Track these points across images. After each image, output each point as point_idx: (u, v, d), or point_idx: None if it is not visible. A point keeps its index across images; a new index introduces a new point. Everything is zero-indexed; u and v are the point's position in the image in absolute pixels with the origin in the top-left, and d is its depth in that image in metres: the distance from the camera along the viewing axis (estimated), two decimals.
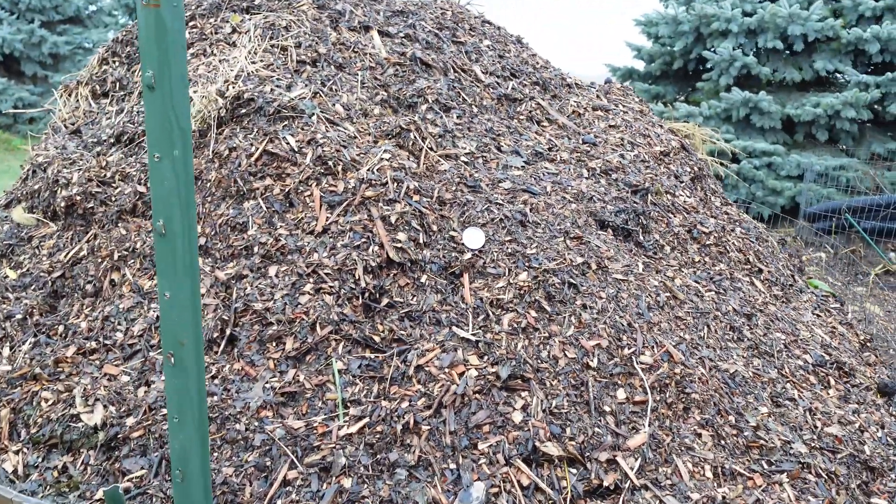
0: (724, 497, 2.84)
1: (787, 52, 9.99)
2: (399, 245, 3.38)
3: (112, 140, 4.21)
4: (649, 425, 3.00)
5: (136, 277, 3.54)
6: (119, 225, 3.76)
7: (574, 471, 2.82)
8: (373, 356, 3.13)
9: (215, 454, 2.81)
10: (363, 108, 4.07)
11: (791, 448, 3.16)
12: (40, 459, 2.92)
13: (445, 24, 5.04)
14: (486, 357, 3.09)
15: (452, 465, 2.79)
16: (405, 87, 4.30)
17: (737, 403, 3.31)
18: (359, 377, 3.06)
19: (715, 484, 2.90)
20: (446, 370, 3.04)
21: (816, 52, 9.77)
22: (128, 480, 2.78)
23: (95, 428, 2.94)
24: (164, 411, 2.94)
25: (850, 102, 9.18)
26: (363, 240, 3.37)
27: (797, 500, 2.94)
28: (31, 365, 3.24)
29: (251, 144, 3.69)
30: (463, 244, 3.48)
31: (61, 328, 3.48)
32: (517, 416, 2.92)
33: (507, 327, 3.21)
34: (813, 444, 3.23)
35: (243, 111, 3.84)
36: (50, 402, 3.06)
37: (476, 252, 3.45)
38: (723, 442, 3.10)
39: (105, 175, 3.95)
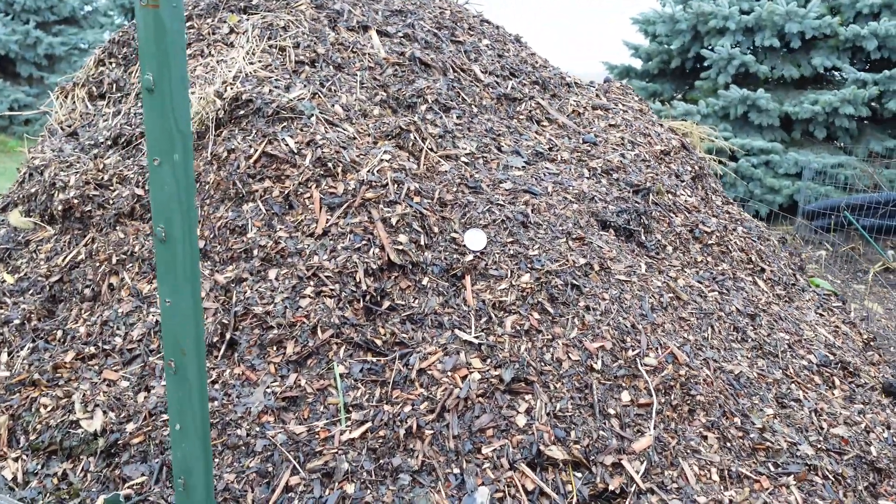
0: (730, 500, 2.81)
1: (785, 49, 9.98)
2: (400, 247, 3.35)
3: (109, 142, 4.18)
4: (654, 428, 2.98)
5: (135, 281, 3.50)
6: (117, 228, 3.73)
7: (579, 475, 2.79)
8: (374, 360, 3.10)
9: (216, 460, 2.77)
10: (362, 109, 4.04)
11: (797, 450, 3.14)
12: (40, 466, 2.89)
13: (444, 24, 5.01)
14: (489, 360, 3.06)
15: (456, 470, 2.76)
16: (404, 88, 4.27)
17: (742, 405, 3.28)
18: (361, 381, 3.03)
19: (721, 487, 2.88)
20: (449, 373, 3.01)
21: (814, 49, 9.76)
22: (128, 487, 2.75)
23: (95, 434, 2.90)
24: (165, 417, 2.91)
25: (849, 100, 9.17)
26: (364, 242, 3.34)
27: (804, 503, 2.92)
28: (29, 370, 3.21)
29: (250, 146, 3.66)
30: (464, 246, 3.45)
31: (60, 333, 3.44)
32: (521, 420, 2.89)
33: (509, 330, 3.18)
34: (819, 446, 3.21)
35: (241, 112, 3.81)
36: (49, 409, 3.02)
37: (478, 254, 3.42)
38: (729, 444, 3.08)
39: (102, 178, 3.91)
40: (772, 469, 3.04)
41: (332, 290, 3.22)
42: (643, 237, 4.07)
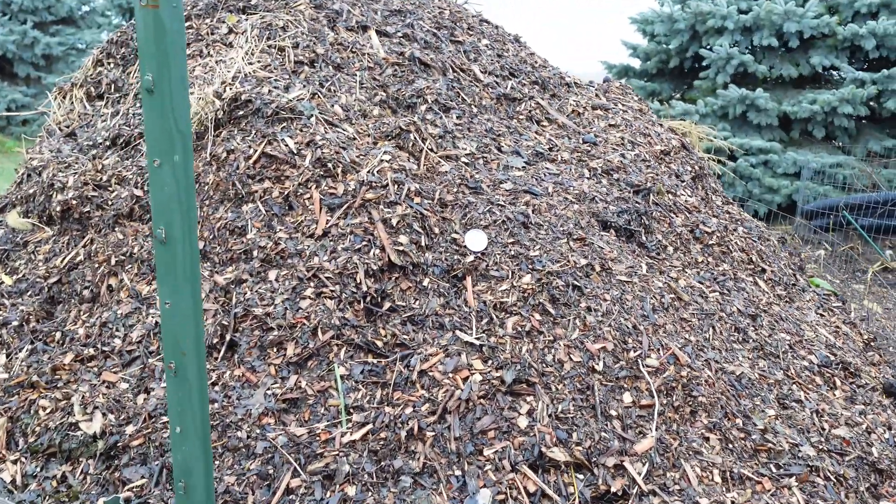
0: (732, 502, 2.80)
1: (783, 49, 9.97)
2: (400, 248, 3.33)
3: (108, 143, 4.16)
4: (656, 429, 2.97)
5: (134, 283, 3.49)
6: (116, 229, 3.71)
7: (581, 477, 2.78)
8: (375, 361, 3.09)
9: (217, 462, 2.76)
10: (362, 109, 4.03)
11: (799, 451, 3.13)
12: (39, 469, 2.88)
13: (443, 24, 5.00)
14: (490, 361, 3.05)
15: (458, 472, 2.75)
16: (404, 88, 4.26)
17: (744, 406, 3.27)
18: (361, 383, 3.01)
19: (723, 489, 2.87)
20: (450, 375, 3.00)
21: (812, 48, 9.76)
22: (128, 490, 2.74)
23: (94, 436, 2.89)
24: (165, 419, 2.89)
25: (847, 99, 9.16)
26: (364, 243, 3.33)
27: None
28: (28, 372, 3.19)
29: (249, 147, 3.65)
30: (465, 247, 3.44)
31: (58, 335, 3.42)
32: (523, 422, 2.88)
33: (511, 331, 3.17)
34: (821, 447, 3.20)
35: (241, 113, 3.79)
36: (48, 411, 3.01)
37: (478, 254, 3.41)
38: (731, 446, 3.07)
39: (101, 179, 3.90)
40: (774, 470, 3.03)
41: (332, 291, 3.21)
42: (644, 238, 4.06)
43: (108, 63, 4.71)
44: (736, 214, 5.02)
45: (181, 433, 2.10)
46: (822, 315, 4.51)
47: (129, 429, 2.89)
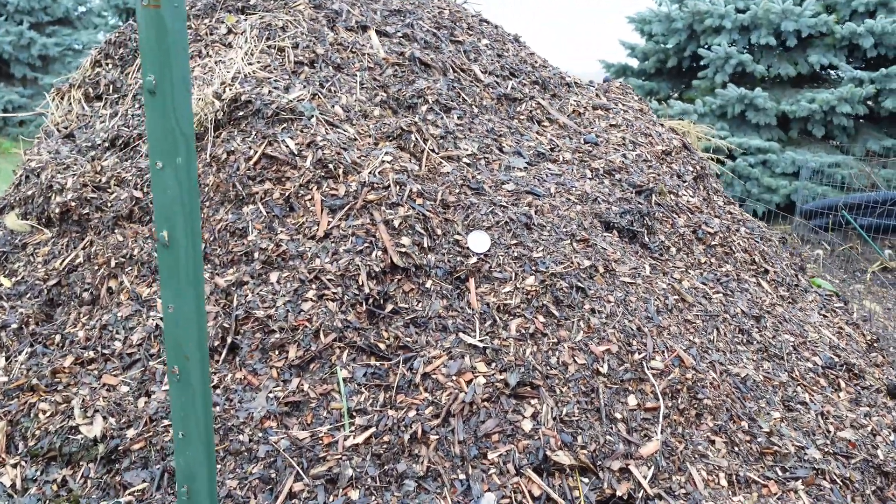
0: None
1: (781, 48, 9.97)
2: (403, 250, 3.31)
3: (107, 144, 4.13)
4: (661, 432, 2.95)
5: (134, 285, 3.46)
6: (115, 231, 3.68)
7: (586, 480, 2.76)
8: (378, 364, 3.06)
9: (219, 466, 2.73)
10: (363, 110, 4.00)
11: (805, 454, 3.11)
12: (39, 473, 2.85)
13: (443, 24, 4.98)
14: (494, 364, 3.03)
15: (462, 476, 2.73)
16: (404, 88, 4.23)
17: (749, 408, 3.26)
18: (364, 385, 2.99)
19: (730, 492, 2.85)
20: (454, 378, 2.97)
21: (810, 47, 9.75)
22: (129, 494, 2.71)
23: (95, 440, 2.86)
24: (166, 422, 2.87)
25: (846, 98, 9.16)
26: (366, 244, 3.30)
27: None
28: (27, 376, 3.16)
29: (249, 148, 3.62)
30: (468, 248, 3.41)
31: (58, 337, 3.39)
32: (527, 425, 2.86)
33: (514, 333, 3.14)
34: (826, 450, 3.18)
35: (241, 114, 3.77)
36: (48, 414, 2.98)
37: (481, 256, 3.39)
38: (736, 449, 3.05)
39: (100, 180, 3.87)
40: (780, 473, 3.01)
41: (334, 293, 3.19)
42: (647, 238, 4.04)
43: (107, 64, 4.68)
44: (738, 215, 5.01)
45: (184, 438, 2.07)
46: (824, 316, 4.50)
47: (130, 432, 2.86)
